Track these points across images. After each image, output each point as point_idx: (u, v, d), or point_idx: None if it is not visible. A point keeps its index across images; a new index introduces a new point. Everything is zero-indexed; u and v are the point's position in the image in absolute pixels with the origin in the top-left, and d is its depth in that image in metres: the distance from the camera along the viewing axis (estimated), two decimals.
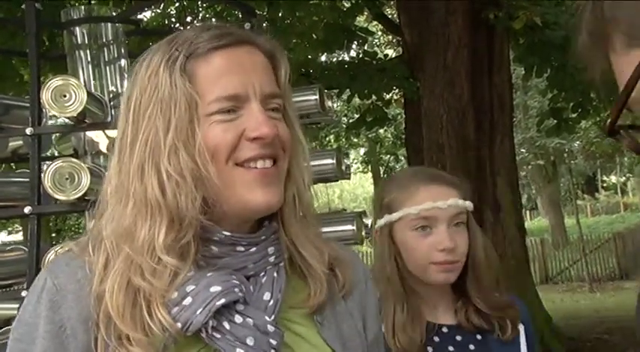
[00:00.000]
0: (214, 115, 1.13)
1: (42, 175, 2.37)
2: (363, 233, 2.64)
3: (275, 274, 1.19)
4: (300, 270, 1.24)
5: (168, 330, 1.07)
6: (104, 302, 1.10)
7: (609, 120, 0.70)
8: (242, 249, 1.17)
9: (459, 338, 1.86)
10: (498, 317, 1.85)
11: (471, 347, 1.84)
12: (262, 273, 1.19)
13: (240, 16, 3.94)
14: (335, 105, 11.38)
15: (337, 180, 2.85)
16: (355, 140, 18.97)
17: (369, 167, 24.50)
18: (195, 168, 1.11)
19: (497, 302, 1.86)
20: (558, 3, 8.41)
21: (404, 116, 9.32)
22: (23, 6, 2.59)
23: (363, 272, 1.36)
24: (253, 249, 1.18)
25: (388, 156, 22.37)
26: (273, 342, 1.12)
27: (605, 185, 41.06)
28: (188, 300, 1.09)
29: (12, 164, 3.64)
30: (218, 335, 1.11)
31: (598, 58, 0.71)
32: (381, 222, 1.90)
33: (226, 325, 1.11)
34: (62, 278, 1.14)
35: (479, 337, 1.85)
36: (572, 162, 26.92)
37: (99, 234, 1.17)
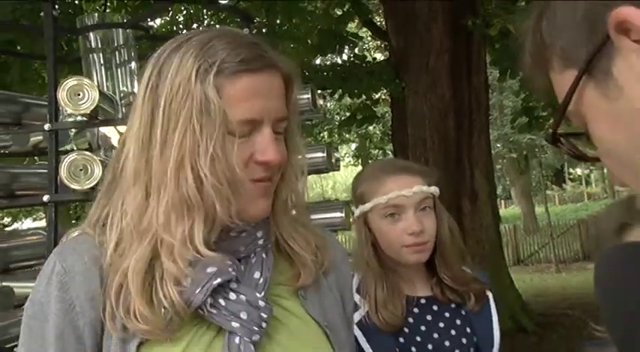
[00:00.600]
0: (236, 132, 1.11)
1: (59, 167, 2.39)
2: (351, 219, 2.65)
3: (264, 255, 1.20)
4: (286, 253, 1.25)
5: (175, 307, 1.08)
6: (117, 278, 1.10)
7: (550, 131, 0.73)
8: (234, 234, 1.18)
9: (435, 308, 1.88)
10: (464, 291, 1.87)
11: (447, 315, 1.87)
12: (252, 255, 1.19)
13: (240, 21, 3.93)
14: (328, 103, 11.41)
15: (328, 172, 2.86)
16: (347, 136, 18.95)
17: (360, 161, 24.52)
18: (231, 177, 1.10)
19: (462, 278, 1.89)
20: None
21: (391, 114, 9.29)
22: (42, 14, 2.59)
23: (341, 253, 1.37)
24: (244, 234, 1.18)
25: (377, 150, 22.37)
26: (264, 315, 1.13)
27: (571, 177, 41.19)
28: (188, 281, 1.09)
29: (34, 157, 3.63)
30: (215, 311, 1.12)
31: (540, 75, 0.72)
32: (357, 212, 1.92)
33: (222, 302, 1.12)
34: (70, 261, 1.14)
35: (453, 306, 1.88)
36: (542, 156, 26.99)
37: (113, 217, 1.16)
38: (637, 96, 0.62)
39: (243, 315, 1.12)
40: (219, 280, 1.11)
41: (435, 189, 1.89)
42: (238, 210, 1.13)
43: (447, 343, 1.83)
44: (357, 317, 1.79)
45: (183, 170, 1.09)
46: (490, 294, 1.96)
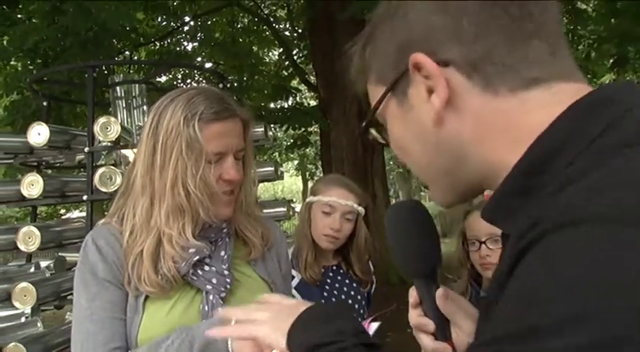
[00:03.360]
0: (209, 159, 1.11)
1: (94, 176, 2.38)
2: (291, 213, 2.71)
3: (227, 239, 1.20)
4: (242, 238, 1.24)
5: (171, 275, 1.10)
6: (131, 256, 1.10)
7: (363, 127, 0.69)
8: (208, 226, 1.17)
9: (341, 271, 1.89)
10: (365, 279, 1.89)
11: (347, 281, 1.88)
12: (219, 239, 1.19)
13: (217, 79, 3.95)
14: (278, 133, 11.41)
15: (275, 180, 2.87)
16: (291, 155, 18.87)
17: (300, 172, 24.48)
18: (209, 191, 1.10)
19: (362, 270, 1.87)
20: None
21: (320, 141, 9.34)
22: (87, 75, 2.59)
23: (280, 235, 1.34)
24: (214, 225, 1.18)
25: (311, 165, 22.39)
26: (228, 280, 1.15)
27: None
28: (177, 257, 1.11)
29: (79, 169, 3.58)
30: (195, 278, 1.13)
31: (361, 82, 0.68)
32: (307, 199, 1.89)
33: (200, 272, 1.13)
34: (101, 239, 1.14)
35: (354, 278, 1.89)
36: None
37: (127, 214, 1.15)
38: (421, 112, 0.60)
39: (214, 280, 1.13)
40: (197, 257, 1.12)
41: (361, 209, 1.84)
42: (214, 213, 1.14)
43: (350, 301, 1.84)
44: (293, 283, 1.76)
45: (177, 186, 1.09)
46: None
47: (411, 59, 0.58)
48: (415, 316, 0.79)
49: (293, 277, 1.77)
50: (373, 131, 0.70)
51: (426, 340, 0.78)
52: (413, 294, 0.79)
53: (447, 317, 0.77)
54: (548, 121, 0.53)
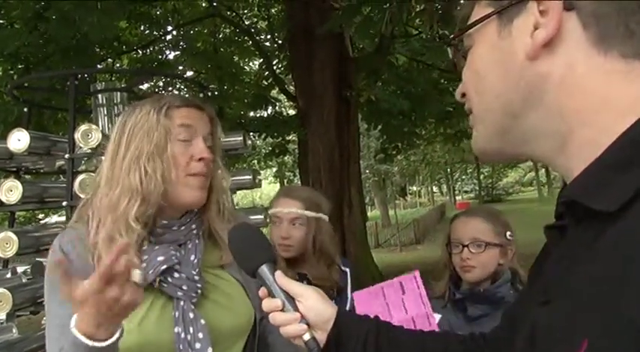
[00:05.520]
0: (179, 137, 1.11)
1: (73, 183, 2.34)
2: (268, 220, 2.68)
3: (197, 241, 1.17)
4: (214, 239, 1.21)
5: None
6: (97, 247, 1.07)
7: (450, 37, 0.67)
8: (175, 228, 1.14)
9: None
10: (325, 284, 1.76)
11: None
12: (189, 242, 1.16)
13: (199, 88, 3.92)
14: (257, 142, 11.37)
15: (253, 188, 2.84)
16: (270, 163, 18.84)
17: (278, 180, 24.47)
18: (163, 169, 1.08)
19: (315, 275, 1.78)
20: (387, 88, 8.71)
21: (298, 150, 9.34)
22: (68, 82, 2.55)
23: None
24: (183, 227, 1.15)
25: (289, 173, 22.39)
26: (199, 285, 1.11)
27: (410, 191, 42.34)
28: (143, 265, 1.07)
29: (58, 175, 3.51)
30: (165, 285, 1.09)
31: (468, 6, 0.65)
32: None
33: (169, 279, 1.09)
34: (67, 243, 1.09)
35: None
36: (393, 178, 27.72)
37: (94, 210, 1.11)
38: (518, 43, 0.58)
39: (185, 287, 1.10)
40: (164, 266, 1.08)
41: (308, 213, 1.79)
42: (184, 200, 1.11)
43: None
44: None
45: (133, 168, 1.07)
46: (348, 271, 1.88)
47: None
48: (266, 303, 0.88)
49: None
50: (452, 50, 0.67)
51: (278, 316, 0.87)
52: (262, 290, 0.89)
53: (290, 293, 0.87)
54: None
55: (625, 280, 0.43)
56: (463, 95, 0.66)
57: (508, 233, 1.62)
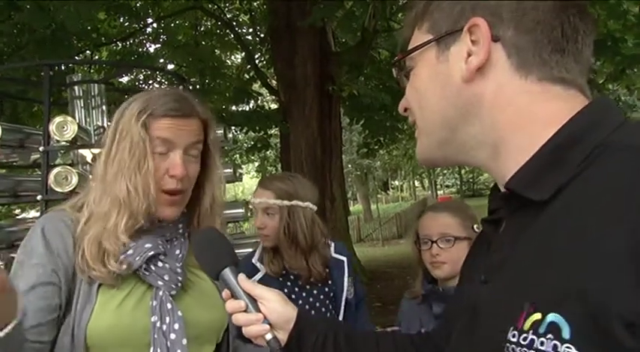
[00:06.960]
0: (155, 150, 1.10)
1: (49, 176, 2.28)
2: (248, 214, 2.67)
3: (182, 239, 1.19)
4: None
5: (116, 271, 1.06)
6: (82, 244, 1.07)
7: (394, 60, 0.75)
8: (164, 224, 1.16)
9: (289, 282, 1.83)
10: (299, 274, 1.80)
11: (299, 282, 1.81)
12: (175, 239, 1.17)
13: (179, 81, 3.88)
14: (239, 136, 11.30)
15: (234, 182, 2.83)
16: (252, 157, 18.77)
17: (260, 174, 24.37)
18: (144, 186, 1.08)
19: (292, 265, 1.78)
20: (369, 83, 8.71)
21: (280, 144, 9.33)
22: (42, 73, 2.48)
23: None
24: (170, 224, 1.17)
25: (271, 167, 22.32)
26: (180, 278, 1.12)
27: (392, 186, 42.57)
28: (130, 251, 1.08)
29: (33, 169, 3.44)
30: (148, 273, 1.10)
31: (409, 29, 0.72)
32: None
33: (152, 267, 1.10)
34: (52, 223, 1.09)
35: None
36: (375, 173, 27.83)
37: (88, 204, 1.12)
38: (454, 67, 0.65)
39: (166, 277, 1.11)
40: (152, 252, 1.10)
41: (279, 202, 1.77)
42: (158, 213, 1.12)
43: (311, 299, 1.80)
44: (257, 277, 1.76)
45: (119, 182, 1.08)
46: (345, 260, 1.88)
47: (471, 20, 0.63)
48: (230, 305, 0.92)
49: (258, 271, 1.80)
50: (396, 69, 0.75)
51: (241, 317, 0.91)
52: (225, 291, 0.93)
53: (252, 295, 0.92)
54: (566, 111, 0.61)
55: (556, 252, 0.53)
56: (405, 109, 0.75)
57: (475, 226, 1.61)
